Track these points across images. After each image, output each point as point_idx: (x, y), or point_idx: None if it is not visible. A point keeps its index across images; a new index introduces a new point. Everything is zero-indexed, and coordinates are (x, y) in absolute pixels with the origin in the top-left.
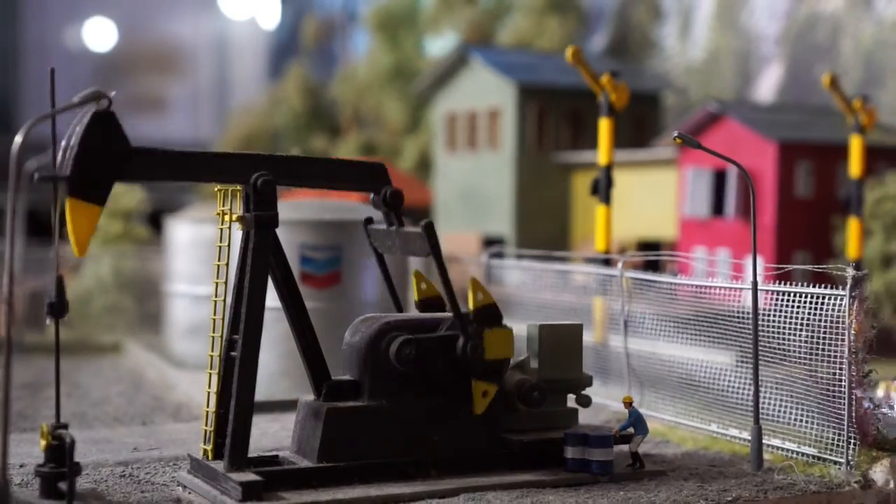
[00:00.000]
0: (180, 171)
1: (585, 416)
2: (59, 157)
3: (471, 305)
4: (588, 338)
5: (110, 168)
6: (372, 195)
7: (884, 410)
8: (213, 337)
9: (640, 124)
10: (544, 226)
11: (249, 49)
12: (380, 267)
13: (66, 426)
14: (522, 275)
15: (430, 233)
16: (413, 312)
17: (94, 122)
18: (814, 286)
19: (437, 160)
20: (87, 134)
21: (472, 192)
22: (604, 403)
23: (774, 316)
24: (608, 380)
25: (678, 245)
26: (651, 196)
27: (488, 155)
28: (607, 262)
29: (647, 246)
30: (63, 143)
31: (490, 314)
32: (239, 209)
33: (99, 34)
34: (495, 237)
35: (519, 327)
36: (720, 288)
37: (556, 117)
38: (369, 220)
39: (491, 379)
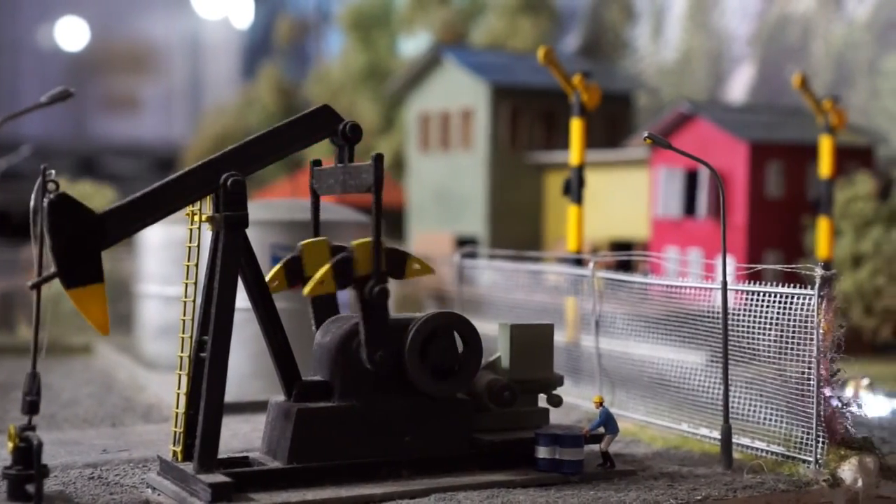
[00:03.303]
0: (153, 212)
1: (556, 416)
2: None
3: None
4: (560, 338)
5: (88, 246)
6: (331, 138)
7: (852, 409)
8: (182, 338)
9: (613, 124)
10: (517, 226)
11: (223, 49)
12: (312, 209)
13: (33, 428)
14: (494, 275)
15: (379, 163)
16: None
17: (54, 212)
18: (784, 286)
19: (410, 160)
20: (52, 227)
21: (445, 193)
22: (575, 403)
23: (744, 315)
24: (580, 379)
25: (650, 245)
26: (623, 196)
27: (461, 155)
28: (579, 262)
29: (620, 246)
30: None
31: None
32: (209, 209)
33: (71, 34)
34: (468, 237)
35: (491, 327)
36: (691, 288)
37: (530, 117)
38: (317, 162)
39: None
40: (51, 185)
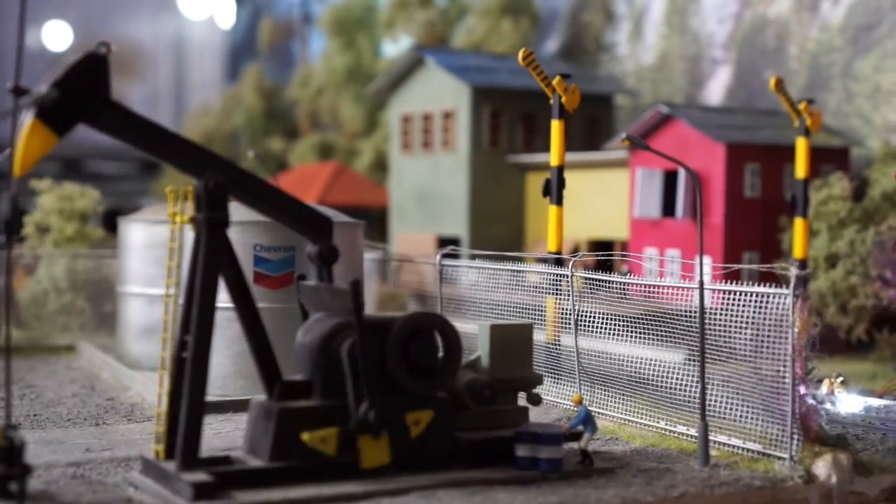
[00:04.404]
0: (145, 140)
1: (536, 415)
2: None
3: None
4: (540, 337)
5: (84, 107)
6: (309, 245)
7: (826, 406)
8: (165, 338)
9: (593, 126)
10: (499, 226)
11: (208, 50)
12: (303, 319)
13: (16, 427)
14: (475, 274)
15: (356, 291)
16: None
17: (87, 59)
18: (761, 286)
19: (392, 161)
20: (76, 66)
21: (427, 194)
22: (555, 402)
23: (721, 315)
24: (560, 378)
25: (630, 245)
26: (604, 197)
27: (443, 156)
28: (559, 262)
29: (600, 245)
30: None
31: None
32: (191, 210)
33: (56, 37)
34: (450, 238)
35: (471, 326)
36: (669, 287)
37: (511, 119)
38: (301, 277)
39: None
40: (102, 48)
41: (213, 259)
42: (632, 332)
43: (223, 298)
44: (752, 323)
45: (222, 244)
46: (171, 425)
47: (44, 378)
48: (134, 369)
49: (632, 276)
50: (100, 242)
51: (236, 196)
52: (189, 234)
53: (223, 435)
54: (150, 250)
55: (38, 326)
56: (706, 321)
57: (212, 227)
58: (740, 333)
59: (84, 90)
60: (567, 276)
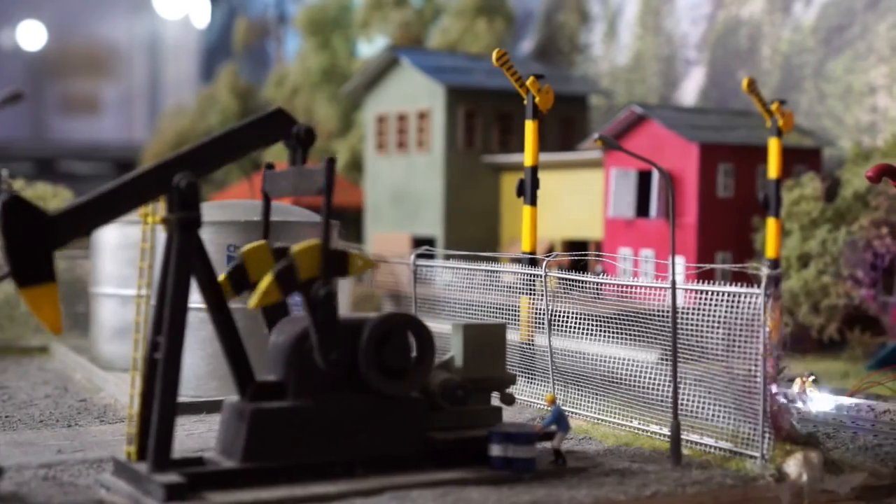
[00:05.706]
0: (105, 213)
1: (509, 415)
2: None
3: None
4: (514, 336)
5: (40, 246)
6: (284, 141)
7: (798, 405)
8: (136, 338)
9: (568, 126)
10: (474, 226)
11: (183, 50)
12: (263, 211)
13: None
14: (450, 274)
15: (330, 167)
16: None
17: (7, 213)
18: (734, 285)
19: (367, 162)
20: (5, 227)
21: (402, 194)
22: (528, 401)
23: (693, 314)
24: (533, 378)
25: (604, 245)
26: (578, 197)
27: (418, 156)
28: (533, 262)
29: (574, 245)
30: None
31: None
32: (163, 211)
33: (30, 36)
34: (425, 238)
35: (446, 326)
36: (642, 287)
37: (485, 119)
38: (270, 166)
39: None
40: (4, 189)
41: (185, 260)
42: (605, 331)
43: (196, 299)
44: (725, 322)
45: (194, 244)
46: (143, 426)
47: (16, 379)
48: (107, 370)
49: (605, 276)
50: (72, 243)
51: (206, 172)
52: (161, 235)
53: (196, 436)
54: (123, 251)
55: (11, 327)
56: (679, 321)
57: (184, 228)
58: (712, 333)
59: (27, 237)
60: (541, 276)
